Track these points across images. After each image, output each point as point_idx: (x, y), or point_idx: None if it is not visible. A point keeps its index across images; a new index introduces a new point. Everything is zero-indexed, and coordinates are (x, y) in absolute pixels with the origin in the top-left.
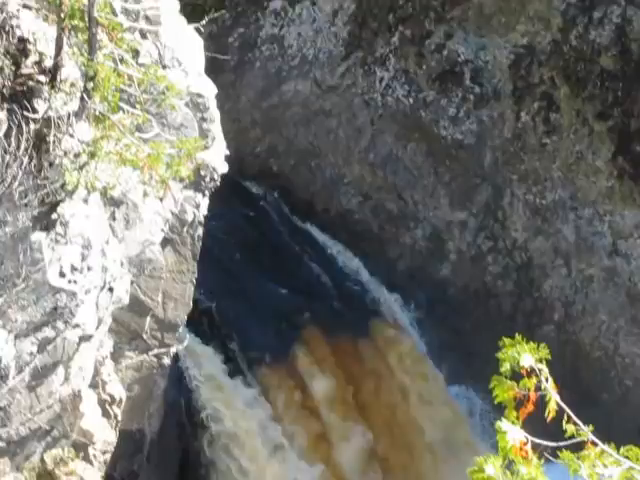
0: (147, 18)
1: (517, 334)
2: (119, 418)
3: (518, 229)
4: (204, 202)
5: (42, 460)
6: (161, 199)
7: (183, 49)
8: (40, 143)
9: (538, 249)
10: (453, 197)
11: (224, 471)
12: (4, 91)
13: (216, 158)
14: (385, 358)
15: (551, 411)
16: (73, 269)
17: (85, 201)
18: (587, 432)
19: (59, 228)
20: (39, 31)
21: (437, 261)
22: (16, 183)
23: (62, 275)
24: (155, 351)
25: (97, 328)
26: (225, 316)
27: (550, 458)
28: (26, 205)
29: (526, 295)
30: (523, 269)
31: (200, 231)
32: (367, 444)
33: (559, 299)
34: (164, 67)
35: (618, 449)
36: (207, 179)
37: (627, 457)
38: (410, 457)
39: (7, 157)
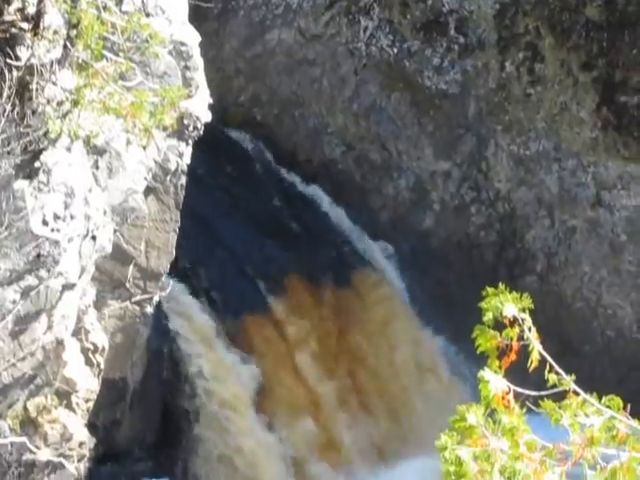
0: None
1: (500, 284)
2: (102, 367)
3: (502, 180)
4: (187, 151)
5: (25, 408)
6: (144, 148)
7: None
8: (23, 91)
9: (521, 200)
10: (437, 147)
11: (206, 419)
12: None
13: (199, 107)
14: (366, 306)
15: (534, 361)
16: (56, 217)
17: (68, 149)
18: (569, 381)
19: (42, 176)
20: None
21: (420, 211)
22: None
23: (45, 223)
24: (138, 300)
25: (80, 277)
26: (207, 264)
27: (532, 407)
28: (9, 153)
29: (509, 246)
30: (506, 220)
31: (183, 180)
32: (344, 385)
33: (542, 250)
34: (147, 15)
35: (600, 399)
36: (190, 128)
37: (609, 407)
38: (387, 395)
39: None
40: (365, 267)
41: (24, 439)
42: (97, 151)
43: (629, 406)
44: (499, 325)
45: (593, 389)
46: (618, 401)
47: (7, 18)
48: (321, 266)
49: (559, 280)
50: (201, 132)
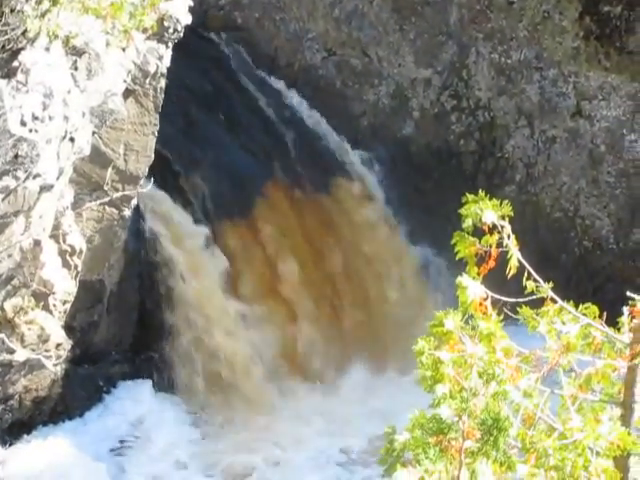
0: None
1: (480, 192)
2: (79, 269)
3: (482, 88)
4: (167, 54)
5: (2, 308)
6: (124, 49)
7: None
8: None
9: (502, 109)
10: (418, 54)
11: (181, 322)
12: None
13: (180, 9)
14: (345, 213)
15: (512, 268)
16: (34, 118)
17: (47, 50)
18: (547, 289)
19: (20, 76)
20: None
21: (400, 119)
22: None
23: (23, 124)
24: (116, 202)
25: (58, 178)
26: (187, 170)
27: (509, 314)
28: None
29: (488, 155)
30: (486, 129)
31: (163, 83)
32: (323, 294)
33: (521, 160)
34: None
35: (577, 308)
36: (171, 30)
37: (585, 315)
38: (363, 302)
39: None
40: (344, 174)
41: (2, 336)
42: (76, 52)
43: (604, 314)
44: (478, 232)
45: (569, 299)
46: (594, 309)
47: None
48: (300, 173)
49: (538, 190)
50: (181, 35)
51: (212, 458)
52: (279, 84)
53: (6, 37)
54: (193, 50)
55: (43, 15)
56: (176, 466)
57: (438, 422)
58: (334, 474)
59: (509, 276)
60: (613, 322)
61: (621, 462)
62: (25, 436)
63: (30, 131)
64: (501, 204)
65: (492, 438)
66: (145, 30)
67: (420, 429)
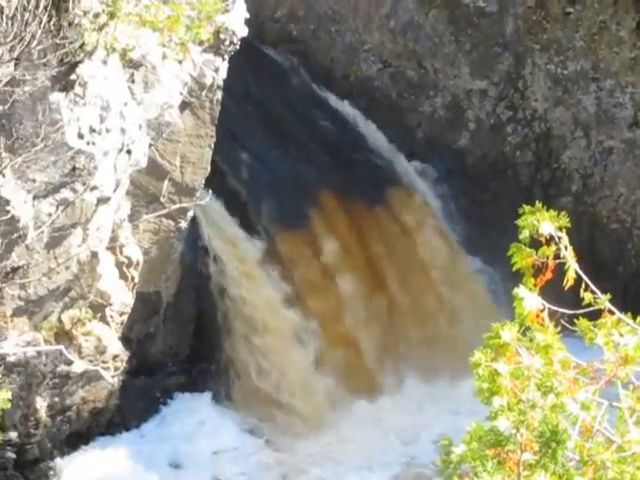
0: None
1: (537, 203)
2: (136, 280)
3: (538, 99)
4: (223, 66)
5: (60, 320)
6: (180, 62)
7: None
8: (59, 2)
9: (558, 119)
10: (474, 66)
11: (238, 334)
12: None
13: (236, 21)
14: (401, 225)
15: (570, 279)
16: (92, 130)
17: (104, 63)
18: (604, 300)
19: (78, 89)
20: None
21: (456, 130)
22: (35, 42)
23: (81, 136)
24: (172, 214)
25: (115, 190)
26: (242, 180)
27: (566, 325)
28: (45, 65)
29: (544, 166)
30: (542, 139)
31: (219, 95)
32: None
33: (577, 170)
34: None
35: (634, 319)
36: (227, 43)
37: None
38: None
39: (26, 15)
40: (400, 186)
41: (60, 347)
42: (133, 65)
43: None
44: (535, 244)
45: (627, 311)
46: None
47: None
48: (355, 184)
49: (594, 201)
50: (237, 47)
51: (270, 471)
52: (334, 96)
53: (64, 50)
54: (249, 62)
55: (101, 28)
56: (233, 478)
57: (496, 434)
58: None
59: (566, 288)
60: None
61: None
62: (83, 447)
63: (88, 144)
64: (558, 215)
65: (550, 450)
66: (201, 43)
67: (477, 441)
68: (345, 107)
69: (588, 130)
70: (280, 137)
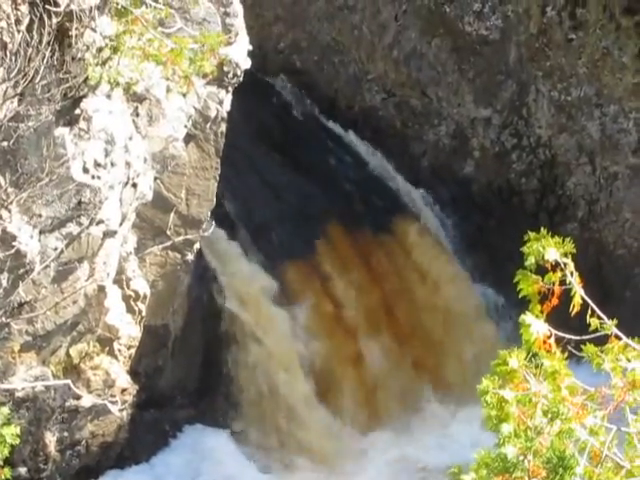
0: None
1: (542, 230)
2: (143, 314)
3: (542, 126)
4: (227, 98)
5: (68, 354)
6: (184, 95)
7: None
8: (62, 37)
9: (562, 146)
10: (477, 94)
11: (247, 367)
12: None
13: (239, 53)
14: (407, 253)
15: (576, 305)
16: (97, 165)
17: (108, 96)
18: (611, 326)
19: (82, 123)
20: None
21: (461, 158)
22: (38, 77)
23: (86, 171)
24: (178, 247)
25: (121, 224)
26: (248, 211)
27: (573, 351)
28: (49, 100)
29: (550, 193)
30: (547, 166)
31: (223, 127)
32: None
33: (583, 197)
34: None
35: None
36: (230, 75)
37: None
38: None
39: (29, 50)
40: (406, 214)
41: (68, 381)
42: (137, 98)
43: None
44: (541, 270)
45: (634, 336)
46: None
47: None
48: (361, 213)
49: (600, 227)
50: (241, 79)
51: None
52: (339, 126)
53: (68, 85)
54: (253, 94)
55: (104, 63)
56: None
57: (503, 461)
58: None
59: (573, 313)
60: None
61: None
62: None
63: (93, 178)
64: (563, 241)
65: (558, 476)
66: (205, 75)
67: (486, 468)
68: (350, 137)
69: (593, 156)
70: (285, 168)
